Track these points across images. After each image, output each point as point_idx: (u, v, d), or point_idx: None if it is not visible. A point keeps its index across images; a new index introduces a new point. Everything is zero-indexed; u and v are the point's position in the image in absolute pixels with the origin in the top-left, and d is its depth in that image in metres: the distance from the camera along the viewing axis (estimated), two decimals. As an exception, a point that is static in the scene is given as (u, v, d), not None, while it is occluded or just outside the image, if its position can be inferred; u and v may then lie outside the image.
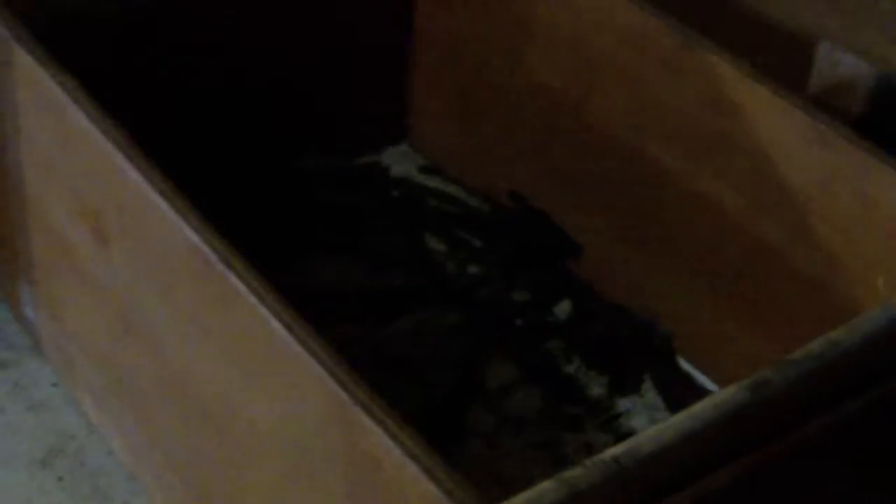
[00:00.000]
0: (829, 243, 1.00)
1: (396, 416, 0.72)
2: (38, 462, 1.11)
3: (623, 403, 1.16)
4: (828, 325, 0.99)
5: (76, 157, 0.98)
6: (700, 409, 0.70)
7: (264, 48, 1.28)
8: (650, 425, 1.14)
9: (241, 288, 0.81)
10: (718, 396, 0.71)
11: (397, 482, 0.70)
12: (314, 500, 0.81)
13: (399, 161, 1.43)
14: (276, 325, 0.79)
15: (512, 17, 1.25)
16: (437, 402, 1.15)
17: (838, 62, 1.03)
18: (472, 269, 1.29)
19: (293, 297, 1.23)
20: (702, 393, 1.16)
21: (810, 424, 0.73)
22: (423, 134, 1.43)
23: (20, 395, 1.17)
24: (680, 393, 1.16)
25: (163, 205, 0.87)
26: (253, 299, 0.80)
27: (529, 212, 1.32)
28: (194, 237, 0.84)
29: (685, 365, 1.20)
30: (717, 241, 1.12)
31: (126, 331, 1.00)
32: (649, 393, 1.18)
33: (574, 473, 0.66)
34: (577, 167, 1.25)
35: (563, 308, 1.25)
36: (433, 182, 1.40)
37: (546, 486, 0.65)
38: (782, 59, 1.11)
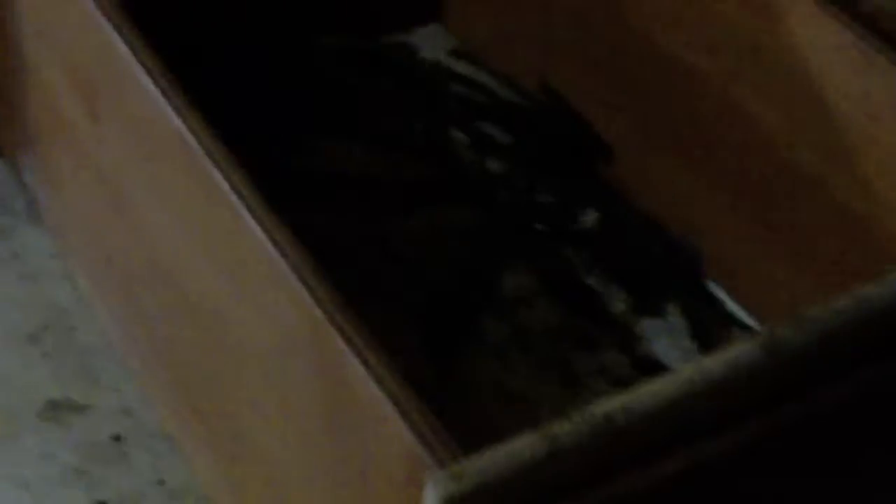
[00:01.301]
0: (873, 175, 0.92)
1: (377, 347, 0.65)
2: (25, 336, 1.06)
3: (644, 324, 1.10)
4: (869, 261, 0.92)
5: (69, 24, 0.92)
6: (707, 365, 0.63)
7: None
8: (670, 350, 1.08)
9: (223, 182, 0.74)
10: (729, 353, 0.64)
11: (372, 417, 0.64)
12: (290, 411, 0.76)
13: (428, 42, 1.35)
14: (255, 227, 0.72)
15: None
16: (442, 305, 1.09)
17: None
18: (494, 165, 1.22)
19: (298, 178, 1.17)
20: (728, 320, 1.09)
21: (828, 389, 0.66)
22: (456, 14, 1.34)
23: (14, 265, 1.12)
24: (706, 318, 1.09)
25: (147, 83, 0.80)
26: (233, 196, 0.74)
27: (560, 107, 1.24)
28: (177, 121, 0.78)
29: (714, 287, 1.13)
30: (751, 156, 1.03)
31: (117, 211, 0.94)
32: (673, 315, 1.10)
33: (559, 429, 0.60)
34: (612, 65, 1.16)
35: (590, 216, 1.18)
36: (462, 67, 1.31)
37: (527, 439, 0.59)
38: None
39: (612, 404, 0.61)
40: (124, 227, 0.94)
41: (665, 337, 1.09)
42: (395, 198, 1.18)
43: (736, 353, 0.64)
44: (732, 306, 1.11)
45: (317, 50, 1.26)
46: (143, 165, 0.87)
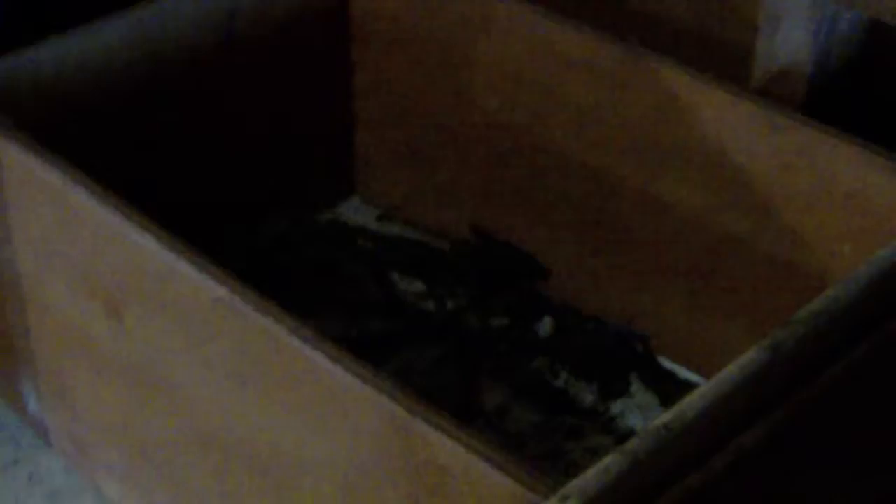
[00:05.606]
0: (794, 224, 1.09)
1: (455, 422, 0.78)
2: (67, 546, 1.15)
3: (615, 406, 1.24)
4: (801, 300, 1.08)
5: (80, 238, 1.03)
6: (728, 374, 0.78)
7: (222, 126, 1.34)
8: (646, 422, 1.22)
9: (282, 332, 0.87)
10: (742, 360, 0.78)
11: (469, 485, 0.76)
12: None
13: (354, 214, 1.49)
14: (322, 360, 0.85)
15: (454, 55, 1.32)
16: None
17: (777, 55, 1.12)
18: (450, 305, 1.35)
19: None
20: (687, 385, 1.24)
21: (825, 373, 0.81)
22: (373, 184, 1.49)
23: (37, 487, 1.21)
24: (668, 387, 1.24)
25: (187, 267, 0.92)
26: (295, 341, 0.86)
27: (492, 243, 1.39)
28: (224, 292, 0.90)
29: (665, 362, 1.27)
30: (681, 240, 1.19)
31: (150, 400, 1.05)
32: (638, 393, 1.25)
33: (632, 445, 0.73)
34: (532, 191, 1.31)
35: (544, 327, 1.32)
36: (392, 229, 1.46)
37: (611, 458, 0.72)
38: (721, 60, 1.20)
39: (666, 417, 0.75)
40: (162, 412, 1.04)
41: (636, 412, 1.23)
42: (364, 352, 1.30)
43: (746, 360, 0.79)
44: (686, 373, 1.26)
45: (260, 236, 1.40)
46: (182, 342, 0.98)
